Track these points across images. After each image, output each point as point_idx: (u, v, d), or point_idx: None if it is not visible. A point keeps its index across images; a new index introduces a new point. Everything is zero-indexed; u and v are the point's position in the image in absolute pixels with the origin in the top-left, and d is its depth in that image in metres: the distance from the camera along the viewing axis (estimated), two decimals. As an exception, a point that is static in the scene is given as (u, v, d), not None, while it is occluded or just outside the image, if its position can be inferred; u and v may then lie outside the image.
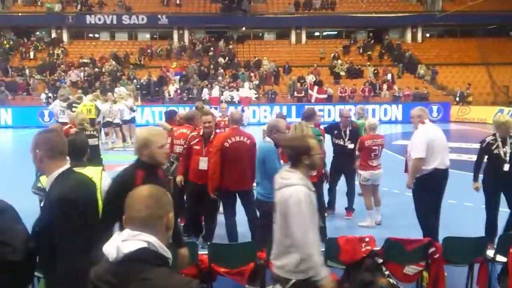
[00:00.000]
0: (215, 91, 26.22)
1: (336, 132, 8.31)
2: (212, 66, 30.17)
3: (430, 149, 6.31)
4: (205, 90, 26.66)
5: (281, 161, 5.95)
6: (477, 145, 7.18)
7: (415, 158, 6.31)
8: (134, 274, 1.79)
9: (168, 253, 1.90)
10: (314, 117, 7.46)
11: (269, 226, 5.72)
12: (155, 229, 1.89)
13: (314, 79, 28.70)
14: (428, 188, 6.33)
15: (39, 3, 34.59)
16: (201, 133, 6.74)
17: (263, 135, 6.37)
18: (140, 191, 1.96)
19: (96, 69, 29.59)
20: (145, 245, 1.84)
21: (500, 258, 5.05)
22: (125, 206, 1.95)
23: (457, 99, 27.11)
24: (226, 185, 6.33)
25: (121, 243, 1.84)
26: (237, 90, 26.89)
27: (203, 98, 25.45)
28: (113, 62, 30.05)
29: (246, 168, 6.23)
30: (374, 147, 7.78)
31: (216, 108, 16.74)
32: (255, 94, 27.31)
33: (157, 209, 1.91)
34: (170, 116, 8.44)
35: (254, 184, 6.55)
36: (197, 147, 6.68)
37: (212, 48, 32.71)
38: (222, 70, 29.71)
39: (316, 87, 26.76)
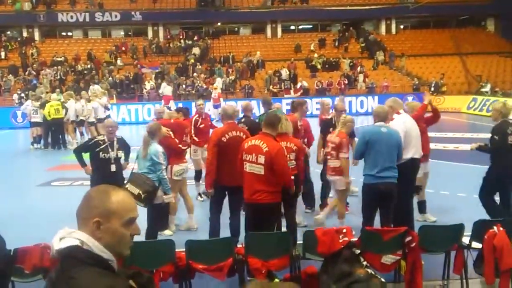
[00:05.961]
0: (168, 90, 24.80)
1: (331, 129, 7.59)
2: (188, 63, 29.86)
3: (408, 139, 6.35)
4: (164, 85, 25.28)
5: None
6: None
7: None
8: (64, 272, 1.75)
9: (106, 254, 1.81)
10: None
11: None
12: (86, 229, 1.84)
13: (289, 73, 28.70)
14: (405, 177, 6.30)
15: (8, 2, 33.79)
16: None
17: None
18: (90, 190, 1.97)
19: (70, 68, 29.11)
20: (77, 243, 1.79)
21: (476, 244, 5.12)
22: None
23: (432, 89, 27.47)
24: (220, 181, 6.16)
25: (57, 240, 1.82)
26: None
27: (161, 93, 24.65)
28: (89, 63, 29.56)
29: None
30: None
31: (169, 108, 14.41)
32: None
33: (85, 211, 1.87)
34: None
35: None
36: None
37: (189, 42, 32.50)
38: (199, 66, 29.45)
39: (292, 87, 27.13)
